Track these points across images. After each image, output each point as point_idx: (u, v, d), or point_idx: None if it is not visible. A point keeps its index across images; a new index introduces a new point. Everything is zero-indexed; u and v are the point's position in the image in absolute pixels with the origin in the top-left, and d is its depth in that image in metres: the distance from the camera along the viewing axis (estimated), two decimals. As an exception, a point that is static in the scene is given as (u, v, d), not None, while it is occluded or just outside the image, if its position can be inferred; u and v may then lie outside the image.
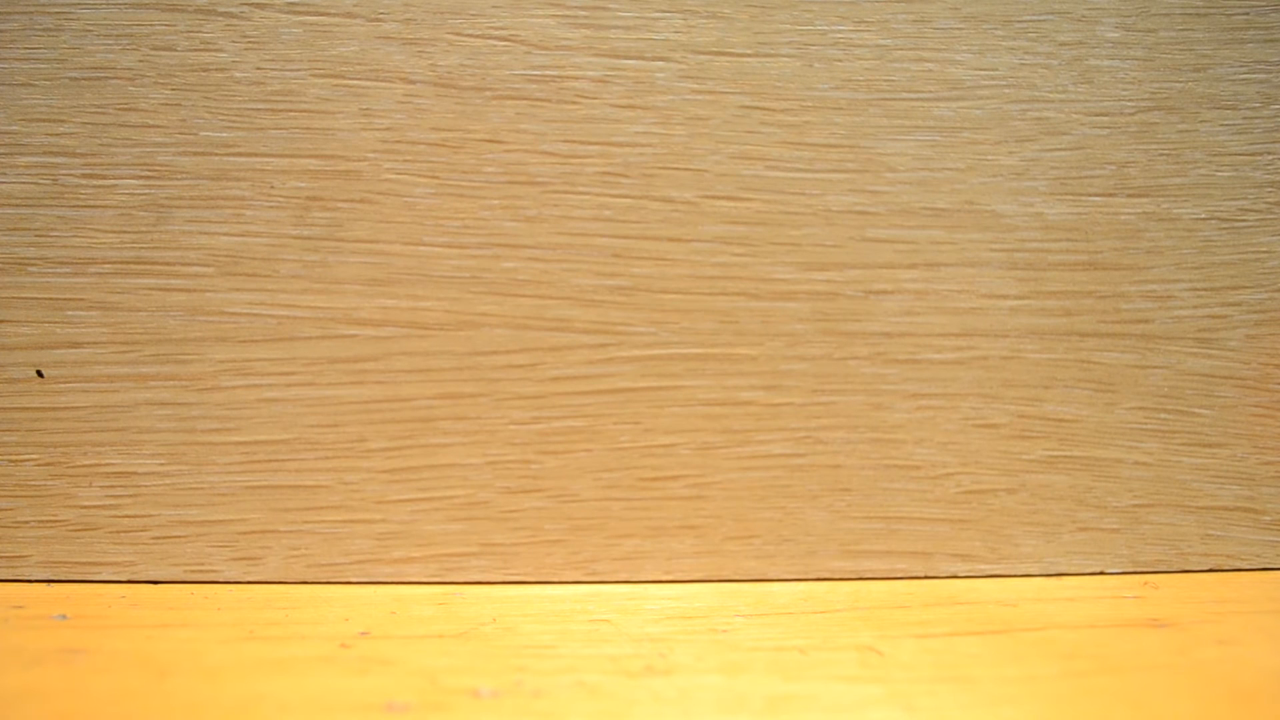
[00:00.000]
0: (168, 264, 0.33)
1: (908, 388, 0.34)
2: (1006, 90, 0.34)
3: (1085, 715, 0.24)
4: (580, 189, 0.33)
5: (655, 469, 0.34)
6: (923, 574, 0.34)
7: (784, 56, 0.33)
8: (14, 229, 0.32)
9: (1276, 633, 0.29)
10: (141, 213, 0.32)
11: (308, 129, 0.33)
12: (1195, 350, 0.35)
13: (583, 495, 0.34)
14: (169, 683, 0.25)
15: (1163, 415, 0.35)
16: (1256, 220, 0.34)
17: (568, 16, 0.33)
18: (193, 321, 0.33)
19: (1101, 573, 0.35)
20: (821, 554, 0.34)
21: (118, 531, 0.33)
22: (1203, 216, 0.34)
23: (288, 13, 0.32)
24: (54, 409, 0.33)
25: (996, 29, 0.34)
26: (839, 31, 0.33)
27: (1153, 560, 0.35)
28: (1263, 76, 0.34)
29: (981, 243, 0.34)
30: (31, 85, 0.32)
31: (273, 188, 0.33)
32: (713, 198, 0.34)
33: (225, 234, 0.33)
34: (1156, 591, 0.33)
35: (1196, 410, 0.35)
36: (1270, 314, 0.35)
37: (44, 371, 0.32)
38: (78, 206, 0.32)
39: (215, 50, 0.32)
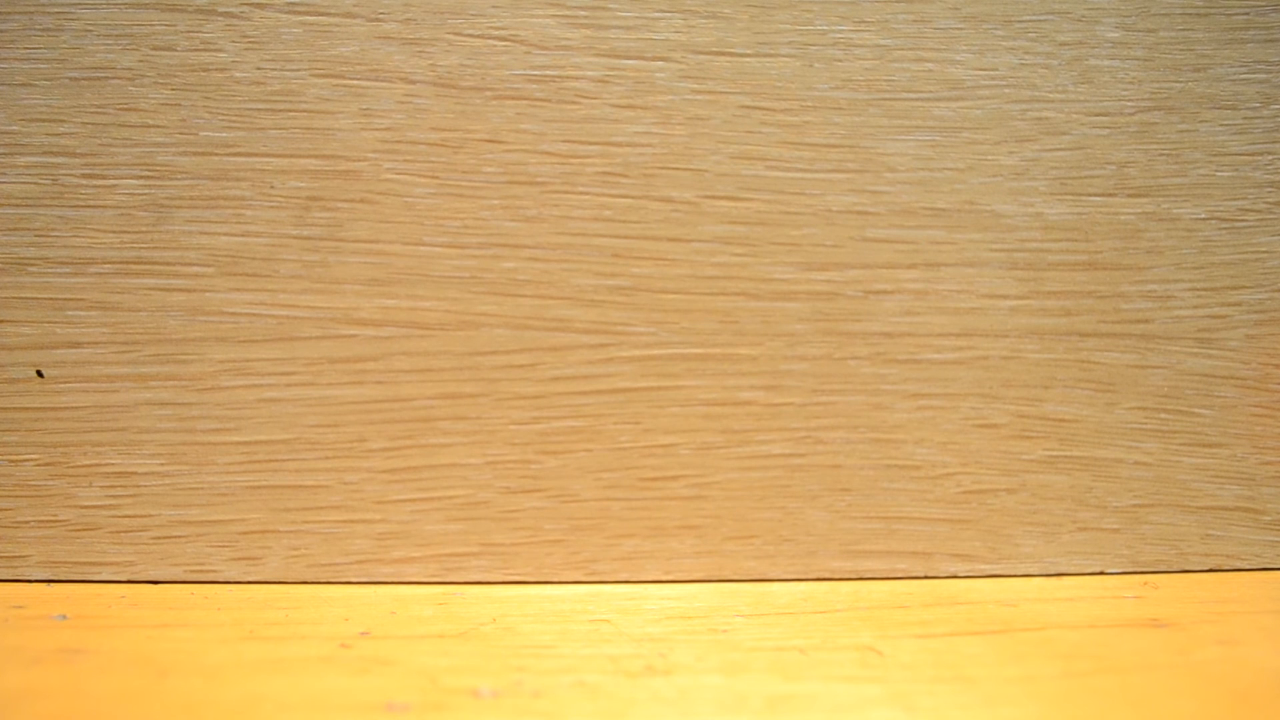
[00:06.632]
0: (168, 264, 0.33)
1: (908, 388, 0.34)
2: (1006, 90, 0.34)
3: (1085, 715, 0.24)
4: (580, 189, 0.33)
5: (655, 469, 0.34)
6: (923, 574, 0.34)
7: (784, 56, 0.33)
8: (14, 229, 0.32)
9: (1276, 633, 0.29)
10: (141, 213, 0.32)
11: (308, 129, 0.33)
12: (1195, 350, 0.35)
13: (583, 495, 0.34)
14: (169, 683, 0.25)
15: (1163, 415, 0.35)
16: (1256, 220, 0.34)
17: (568, 16, 0.33)
18: (193, 321, 0.33)
19: (1101, 573, 0.35)
20: (821, 554, 0.34)
21: (118, 531, 0.33)
22: (1203, 216, 0.34)
23: (288, 13, 0.32)
24: (54, 409, 0.33)
25: (996, 29, 0.34)
26: (839, 31, 0.33)
27: (1153, 560, 0.35)
28: (1263, 76, 0.34)
29: (981, 243, 0.34)
30: (31, 85, 0.32)
31: (273, 188, 0.33)
32: (713, 198, 0.34)
33: (225, 234, 0.33)
34: (1156, 591, 0.33)
35: (1196, 410, 0.35)
36: (1270, 314, 0.35)
37: (44, 371, 0.32)
38: (78, 206, 0.32)
39: (215, 50, 0.32)
